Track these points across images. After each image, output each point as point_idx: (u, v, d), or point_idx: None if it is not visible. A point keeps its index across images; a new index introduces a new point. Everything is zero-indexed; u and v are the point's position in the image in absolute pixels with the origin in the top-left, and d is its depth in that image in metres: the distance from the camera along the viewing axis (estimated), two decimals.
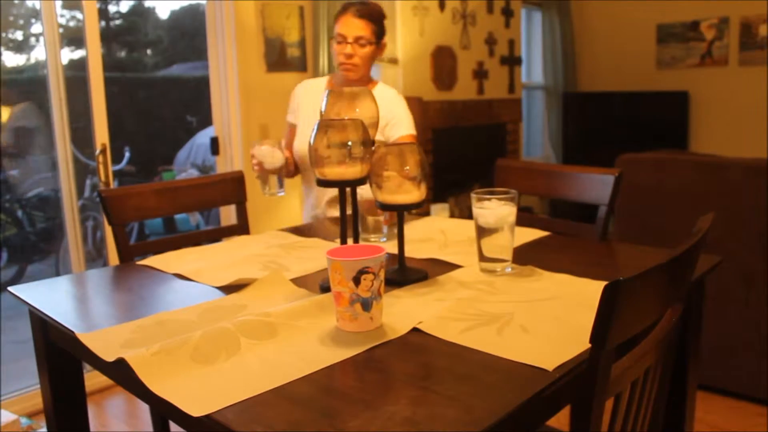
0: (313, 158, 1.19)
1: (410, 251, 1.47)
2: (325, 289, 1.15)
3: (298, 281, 1.29)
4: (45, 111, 2.75)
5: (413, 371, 0.86)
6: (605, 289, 0.71)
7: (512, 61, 5.10)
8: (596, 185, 1.72)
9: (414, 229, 1.72)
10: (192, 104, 5.50)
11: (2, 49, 3.57)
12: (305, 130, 2.08)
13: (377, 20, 2.00)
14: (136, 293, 1.29)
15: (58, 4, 2.64)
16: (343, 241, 1.26)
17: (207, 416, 0.77)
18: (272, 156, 1.71)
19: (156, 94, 5.46)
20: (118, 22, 5.82)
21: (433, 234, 1.66)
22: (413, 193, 1.21)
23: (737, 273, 2.34)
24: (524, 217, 1.87)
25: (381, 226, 1.65)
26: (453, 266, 1.35)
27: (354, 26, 1.96)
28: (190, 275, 1.37)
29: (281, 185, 1.74)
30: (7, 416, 2.24)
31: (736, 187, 2.32)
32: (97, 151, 2.71)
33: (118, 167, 4.27)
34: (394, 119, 2.03)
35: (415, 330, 1.00)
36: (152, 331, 1.03)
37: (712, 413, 2.35)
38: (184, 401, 0.80)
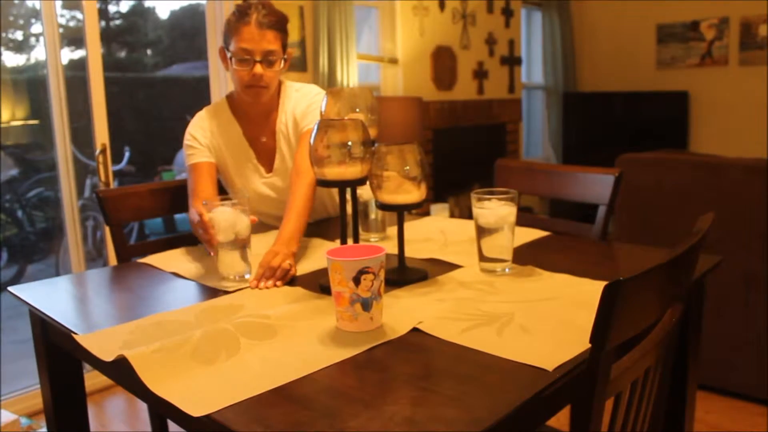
0: (313, 158, 1.20)
1: (410, 251, 1.47)
2: (325, 289, 1.15)
3: (294, 281, 1.29)
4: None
5: (413, 371, 0.86)
6: (605, 289, 0.71)
7: (512, 61, 5.10)
8: (596, 185, 1.72)
9: (414, 229, 1.72)
10: (192, 104, 5.50)
11: (2, 49, 3.57)
12: (233, 180, 1.75)
13: (285, 29, 1.63)
14: (136, 293, 1.29)
15: (58, 4, 2.64)
16: (343, 241, 1.26)
17: (207, 416, 0.77)
18: (239, 223, 1.26)
19: (156, 94, 5.46)
20: (118, 22, 5.82)
21: (433, 234, 1.66)
22: (413, 193, 1.21)
23: (737, 273, 2.34)
24: (524, 217, 1.87)
25: (383, 225, 1.65)
26: (453, 266, 1.35)
27: (262, 39, 1.56)
28: (188, 274, 1.37)
29: (248, 264, 1.29)
30: (7, 416, 2.24)
31: (736, 187, 2.32)
32: (97, 151, 2.71)
33: (118, 167, 4.27)
34: (303, 108, 1.71)
35: (415, 330, 1.00)
36: (151, 331, 1.03)
37: (712, 413, 2.35)
38: (184, 401, 0.80)
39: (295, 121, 1.71)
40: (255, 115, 1.73)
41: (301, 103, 1.71)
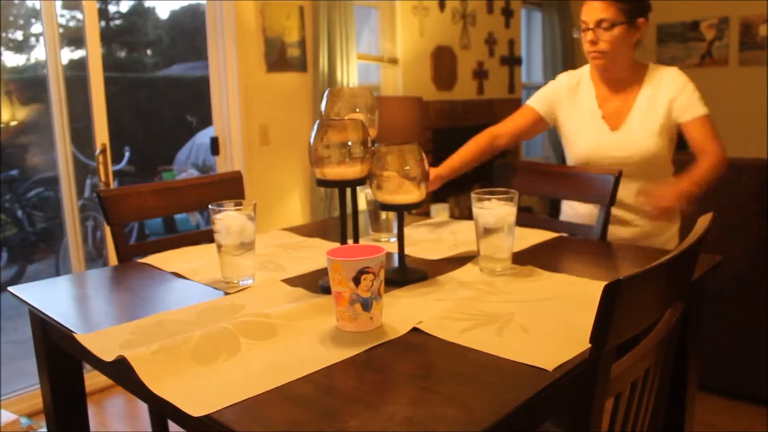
0: (312, 158, 1.19)
1: (419, 252, 1.47)
2: (326, 289, 1.15)
3: (294, 281, 1.29)
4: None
5: (413, 371, 0.86)
6: (605, 289, 0.71)
7: (512, 61, 5.10)
8: (596, 185, 1.72)
9: (424, 230, 1.72)
10: (192, 104, 5.50)
11: (2, 49, 3.57)
12: (576, 132, 1.90)
13: None
14: (136, 293, 1.29)
15: (58, 4, 2.64)
16: (343, 241, 1.26)
17: (207, 416, 0.77)
18: (246, 228, 1.25)
19: (156, 94, 5.46)
20: (118, 22, 5.82)
21: (444, 234, 1.65)
22: (413, 193, 1.21)
23: (737, 273, 2.34)
24: (524, 217, 1.87)
25: (391, 225, 1.66)
26: (453, 266, 1.35)
27: (594, 10, 1.77)
28: (188, 274, 1.37)
29: (252, 268, 1.29)
30: (7, 416, 2.24)
31: (736, 187, 2.32)
32: (97, 151, 2.71)
33: (118, 167, 4.27)
34: (681, 100, 1.78)
35: (415, 330, 1.00)
36: (151, 331, 1.03)
37: (712, 413, 2.35)
38: (184, 401, 0.80)
39: (661, 101, 1.80)
40: (610, 81, 1.88)
41: (671, 88, 1.80)
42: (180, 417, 0.80)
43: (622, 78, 1.85)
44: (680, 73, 1.83)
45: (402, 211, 1.24)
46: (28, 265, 4.17)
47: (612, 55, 1.78)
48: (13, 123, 3.54)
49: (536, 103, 1.95)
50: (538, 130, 1.98)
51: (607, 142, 1.83)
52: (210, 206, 1.27)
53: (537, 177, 1.90)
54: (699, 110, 1.77)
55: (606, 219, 1.70)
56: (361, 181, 1.21)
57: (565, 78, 1.95)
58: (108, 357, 0.93)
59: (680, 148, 1.88)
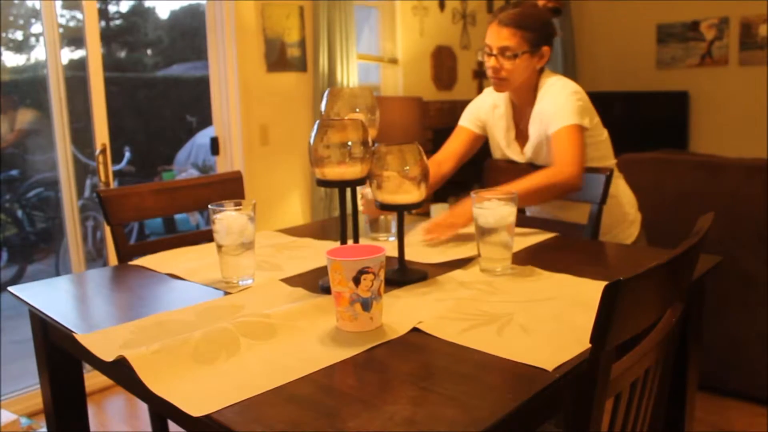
0: (312, 158, 1.19)
1: (411, 255, 1.46)
2: (326, 289, 1.15)
3: (294, 281, 1.28)
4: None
5: (413, 371, 0.86)
6: (605, 289, 0.71)
7: None
8: (588, 184, 1.71)
9: (417, 231, 1.72)
10: (192, 104, 5.50)
11: (2, 49, 3.57)
12: (499, 149, 1.96)
13: (528, 27, 1.74)
14: (136, 293, 1.29)
15: (58, 4, 2.64)
16: (343, 241, 1.26)
17: (207, 416, 0.77)
18: (247, 228, 1.25)
19: (156, 94, 5.46)
20: (118, 22, 5.82)
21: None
22: (413, 193, 1.21)
23: (737, 273, 2.34)
24: (523, 218, 1.87)
25: (390, 225, 1.65)
26: (453, 266, 1.35)
27: (499, 36, 1.73)
28: (186, 274, 1.37)
29: (252, 267, 1.29)
30: (7, 416, 2.24)
31: (736, 187, 2.32)
32: (97, 151, 2.71)
33: (118, 167, 4.27)
34: (550, 110, 1.73)
35: (415, 330, 1.00)
36: (151, 331, 1.03)
37: (712, 413, 2.35)
38: (184, 401, 0.80)
39: (541, 119, 1.77)
40: (519, 102, 1.87)
41: (546, 102, 1.76)
42: (180, 417, 0.80)
43: (528, 99, 1.83)
44: (560, 83, 1.77)
45: (402, 211, 1.24)
46: (28, 265, 4.17)
47: (513, 82, 1.77)
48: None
49: (467, 122, 1.96)
50: (477, 145, 1.99)
51: (520, 160, 1.90)
52: (210, 206, 1.27)
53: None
54: (563, 121, 1.69)
55: (598, 218, 1.70)
56: (361, 181, 1.21)
57: (489, 95, 1.94)
58: (108, 357, 0.93)
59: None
